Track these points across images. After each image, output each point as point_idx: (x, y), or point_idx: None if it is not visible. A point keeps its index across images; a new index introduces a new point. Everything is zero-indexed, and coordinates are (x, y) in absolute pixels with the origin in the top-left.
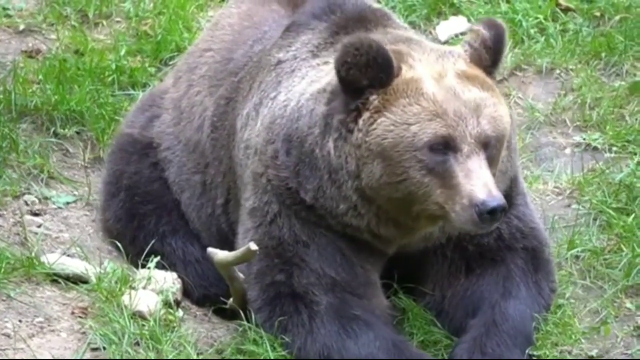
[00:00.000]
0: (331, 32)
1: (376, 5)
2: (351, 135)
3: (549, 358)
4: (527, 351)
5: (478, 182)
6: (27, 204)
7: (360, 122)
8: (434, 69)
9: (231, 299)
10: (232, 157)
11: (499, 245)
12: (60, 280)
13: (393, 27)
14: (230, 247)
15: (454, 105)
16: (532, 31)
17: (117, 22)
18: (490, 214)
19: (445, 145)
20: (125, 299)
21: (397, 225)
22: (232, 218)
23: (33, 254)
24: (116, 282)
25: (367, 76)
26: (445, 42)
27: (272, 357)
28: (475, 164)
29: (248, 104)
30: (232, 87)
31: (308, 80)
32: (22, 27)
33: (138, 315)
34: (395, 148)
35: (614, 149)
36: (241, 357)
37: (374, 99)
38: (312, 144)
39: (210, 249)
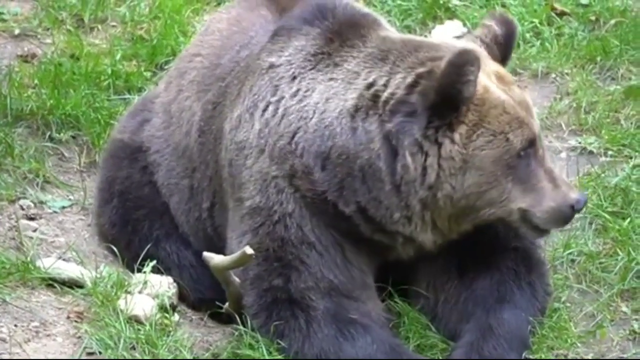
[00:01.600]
0: (325, 38)
1: (365, 10)
2: (439, 148)
3: None
4: (523, 355)
5: (562, 182)
6: (22, 209)
7: (456, 135)
8: (483, 71)
9: (227, 304)
10: (218, 160)
11: (492, 245)
12: (56, 284)
13: (383, 31)
14: (217, 251)
15: (519, 109)
16: (527, 35)
17: (113, 26)
18: (578, 211)
19: (529, 149)
20: (121, 303)
21: (438, 230)
22: (217, 222)
23: (29, 259)
24: (112, 287)
25: (476, 88)
26: None
27: None
28: (551, 164)
29: (238, 107)
30: (220, 92)
31: (320, 95)
32: (17, 31)
33: (134, 320)
34: (492, 158)
35: (610, 152)
36: None
37: (468, 111)
38: (373, 158)
39: (206, 253)
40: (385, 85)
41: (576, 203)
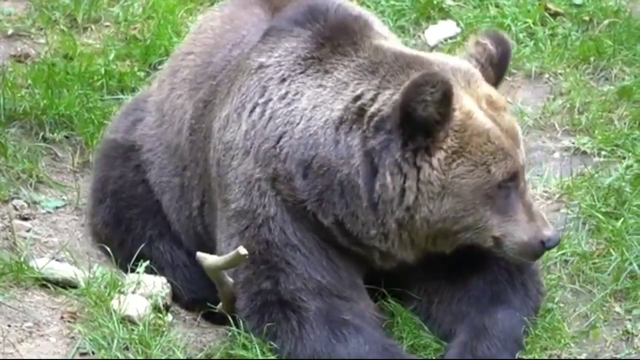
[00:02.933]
0: (317, 43)
1: (357, 11)
2: (418, 172)
3: None
4: (517, 355)
5: (539, 217)
6: (16, 209)
7: (435, 161)
8: (471, 95)
9: (220, 304)
10: (207, 159)
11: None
12: (49, 284)
13: (376, 37)
14: (207, 249)
15: (505, 138)
16: (521, 35)
17: (106, 26)
18: (549, 248)
19: (511, 181)
20: (114, 303)
21: (416, 248)
22: (207, 220)
23: (22, 259)
24: (105, 287)
25: (439, 112)
26: (435, 47)
27: None
28: (529, 197)
29: (227, 107)
30: (211, 90)
31: (308, 101)
32: (10, 31)
33: (127, 320)
34: (471, 187)
35: (603, 153)
36: None
37: (446, 137)
38: (352, 174)
39: (199, 254)
40: (373, 100)
41: (547, 240)
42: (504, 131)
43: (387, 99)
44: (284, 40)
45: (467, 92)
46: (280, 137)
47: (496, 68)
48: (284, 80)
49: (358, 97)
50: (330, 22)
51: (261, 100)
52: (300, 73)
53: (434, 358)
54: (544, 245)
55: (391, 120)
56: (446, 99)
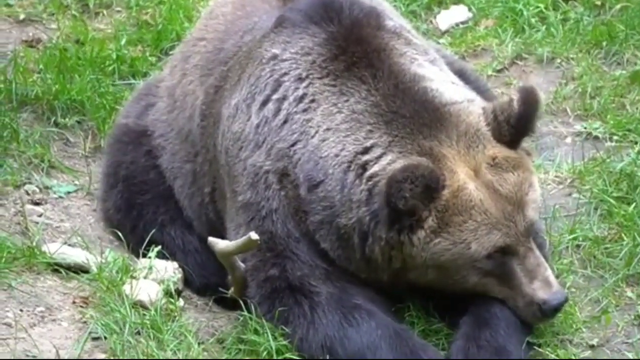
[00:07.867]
0: (331, 52)
1: (367, 4)
2: (402, 246)
3: (549, 347)
4: (526, 339)
5: (538, 280)
6: (28, 194)
7: (415, 239)
8: (469, 163)
9: (232, 289)
10: (215, 144)
11: None
12: (61, 269)
13: (390, 48)
14: (219, 235)
15: (501, 208)
16: (533, 20)
17: (118, 11)
18: (554, 309)
19: (503, 252)
20: (126, 288)
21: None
22: (219, 206)
23: (34, 244)
24: (117, 272)
25: (422, 201)
26: (446, 32)
27: (273, 347)
28: (533, 261)
29: (236, 95)
30: (222, 76)
31: (322, 117)
32: (22, 16)
33: (139, 305)
34: (454, 262)
35: (615, 138)
36: (242, 347)
37: (428, 217)
38: (349, 227)
39: (211, 239)
40: (378, 159)
41: (544, 304)
42: (503, 198)
43: (386, 165)
44: (299, 37)
45: (464, 160)
46: (295, 143)
47: (512, 130)
48: (300, 79)
49: (367, 150)
50: (344, 24)
51: (275, 96)
52: (318, 79)
53: (444, 343)
54: (543, 309)
55: (380, 198)
56: (429, 189)
